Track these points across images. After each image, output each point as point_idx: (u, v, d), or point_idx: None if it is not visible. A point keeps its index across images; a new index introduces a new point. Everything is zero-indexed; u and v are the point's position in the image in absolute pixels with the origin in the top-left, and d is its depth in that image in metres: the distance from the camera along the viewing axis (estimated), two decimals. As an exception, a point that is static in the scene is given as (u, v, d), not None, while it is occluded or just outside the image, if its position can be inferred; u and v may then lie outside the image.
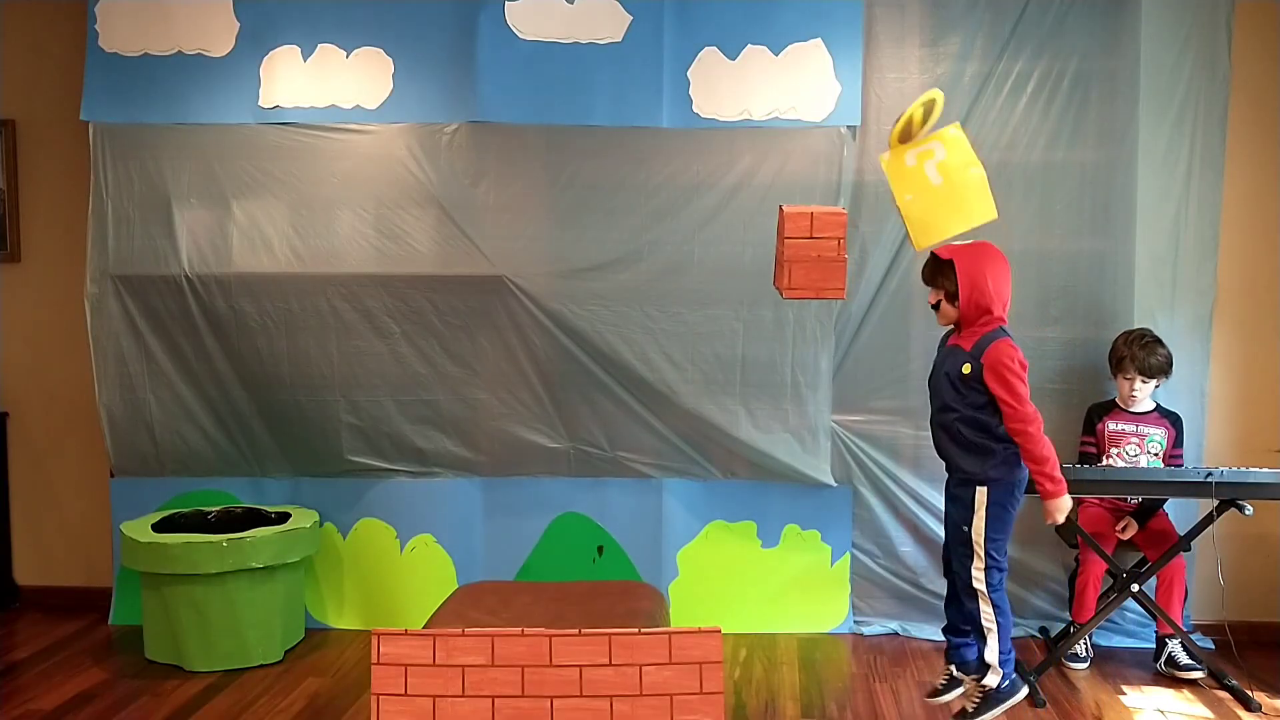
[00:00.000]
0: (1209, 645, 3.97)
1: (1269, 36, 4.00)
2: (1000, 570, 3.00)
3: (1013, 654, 3.06)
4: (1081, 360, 4.03)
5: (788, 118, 3.95)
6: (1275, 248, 4.07)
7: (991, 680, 3.03)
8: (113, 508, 4.23)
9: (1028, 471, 2.97)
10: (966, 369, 2.92)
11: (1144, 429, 3.85)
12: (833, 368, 4.06)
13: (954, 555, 3.05)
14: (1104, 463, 3.85)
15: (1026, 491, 3.45)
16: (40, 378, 4.47)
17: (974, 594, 3.00)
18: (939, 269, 2.96)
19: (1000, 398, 2.88)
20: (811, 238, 2.77)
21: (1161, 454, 3.84)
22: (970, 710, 3.07)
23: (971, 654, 3.07)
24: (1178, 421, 3.89)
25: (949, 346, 3.03)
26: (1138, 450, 3.83)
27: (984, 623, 3.00)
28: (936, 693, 3.22)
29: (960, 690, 3.16)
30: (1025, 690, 3.10)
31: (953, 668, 3.14)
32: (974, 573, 2.98)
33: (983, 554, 2.97)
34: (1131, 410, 3.87)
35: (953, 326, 3.05)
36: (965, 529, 2.98)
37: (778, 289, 2.89)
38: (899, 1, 3.98)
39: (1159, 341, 3.80)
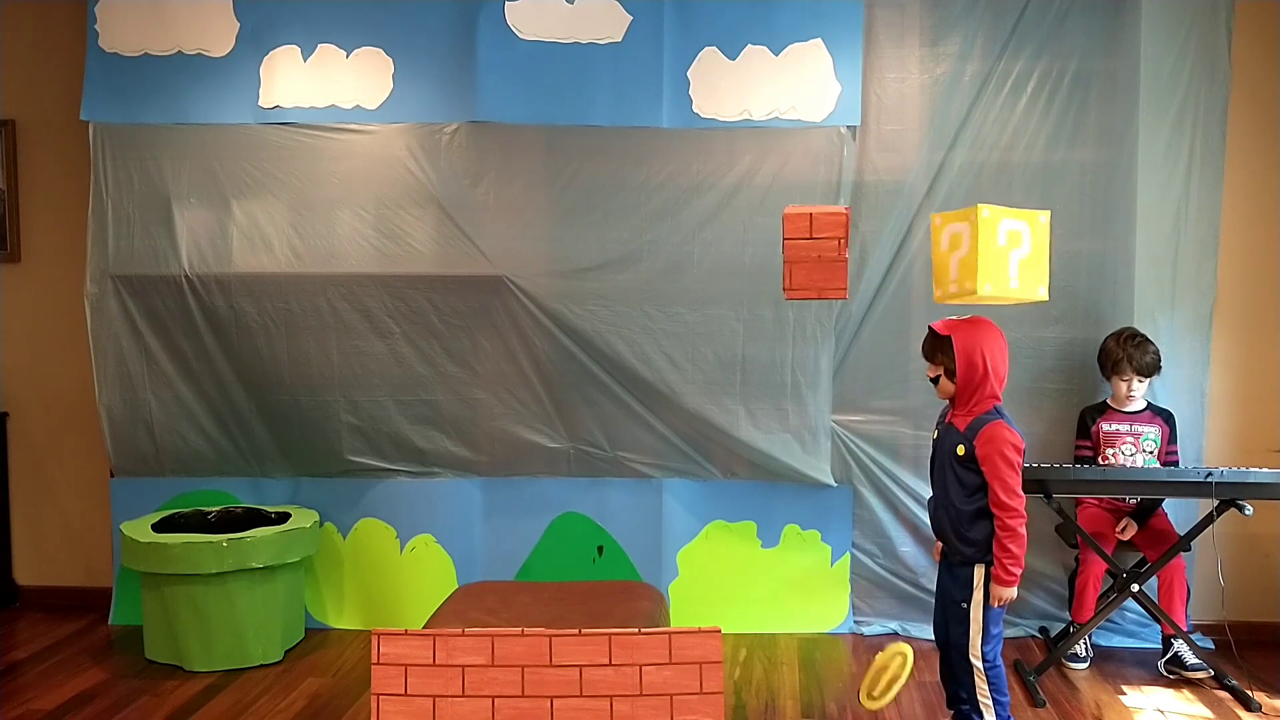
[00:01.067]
0: (1209, 645, 3.96)
1: (1269, 36, 4.00)
2: (996, 651, 2.99)
3: None
4: (1081, 360, 4.03)
5: (788, 118, 3.96)
6: (1275, 248, 4.07)
7: None
8: (113, 508, 4.23)
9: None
10: (961, 450, 2.92)
11: (1138, 428, 3.85)
12: (833, 368, 4.06)
13: (951, 628, 3.03)
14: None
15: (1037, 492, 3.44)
16: (40, 378, 4.47)
17: (969, 668, 2.98)
18: (938, 344, 2.95)
19: (990, 483, 2.88)
20: (811, 238, 2.76)
21: (1157, 452, 3.84)
22: None
23: None
24: (1170, 419, 3.89)
25: (945, 424, 3.02)
26: (1133, 449, 3.83)
27: (979, 698, 2.99)
28: None
29: None
30: None
31: None
32: (971, 645, 2.97)
33: (980, 628, 2.96)
34: (1125, 410, 3.87)
35: (949, 402, 3.04)
36: (964, 606, 2.97)
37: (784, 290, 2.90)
38: (899, 1, 3.99)
39: (1147, 339, 3.81)
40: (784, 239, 2.78)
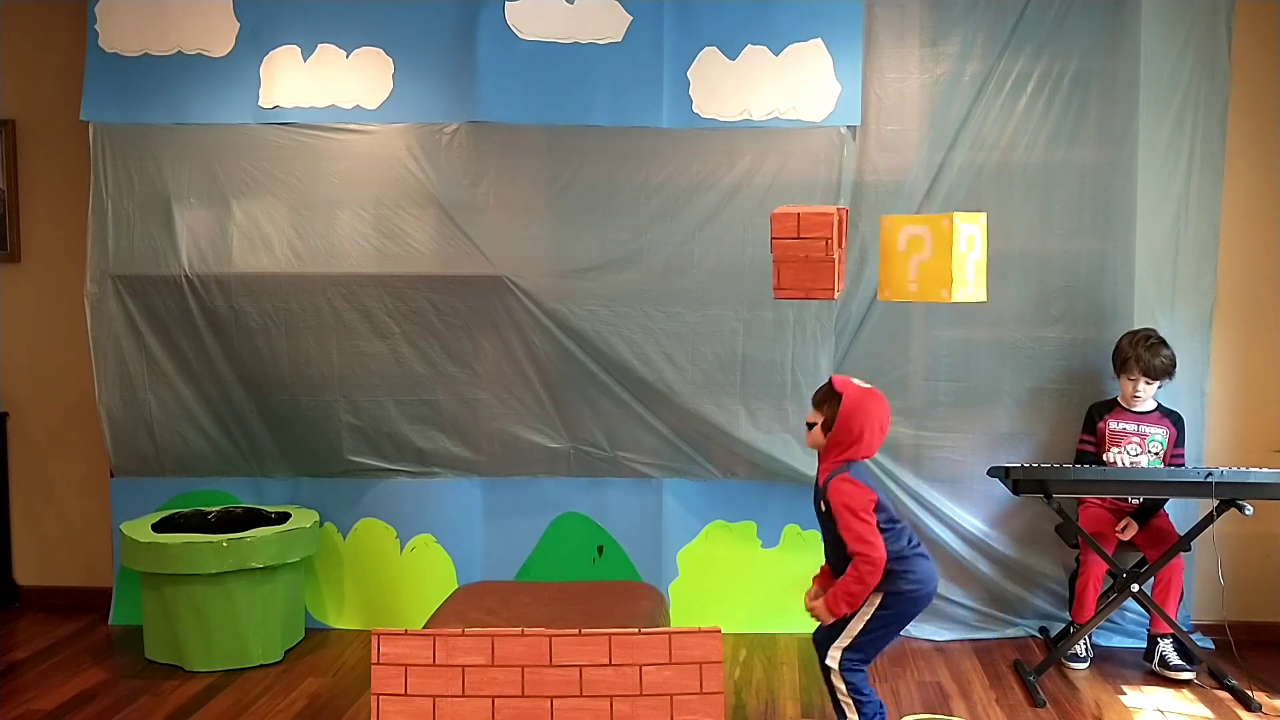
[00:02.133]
0: (1209, 645, 3.96)
1: (1269, 36, 4.00)
2: (865, 661, 2.96)
3: None
4: (1082, 360, 4.03)
5: (788, 118, 3.95)
6: (1275, 248, 4.07)
7: None
8: (113, 508, 4.23)
9: (928, 592, 2.96)
10: (822, 506, 2.96)
11: (1145, 428, 3.85)
12: (833, 368, 4.06)
13: (825, 630, 3.00)
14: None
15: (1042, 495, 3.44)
16: (40, 378, 4.47)
17: (825, 669, 2.97)
18: (829, 397, 2.98)
19: (842, 535, 2.88)
20: (799, 238, 2.76)
21: (1163, 454, 3.84)
22: None
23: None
24: (1179, 421, 3.88)
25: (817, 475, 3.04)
26: (1139, 449, 3.83)
27: (839, 698, 2.96)
28: None
29: None
30: None
31: None
32: (834, 646, 2.95)
33: (852, 639, 2.93)
34: (1133, 410, 3.87)
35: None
36: (847, 618, 2.95)
37: None
38: (899, 1, 3.98)
39: (1163, 343, 3.80)
40: (772, 239, 2.78)
